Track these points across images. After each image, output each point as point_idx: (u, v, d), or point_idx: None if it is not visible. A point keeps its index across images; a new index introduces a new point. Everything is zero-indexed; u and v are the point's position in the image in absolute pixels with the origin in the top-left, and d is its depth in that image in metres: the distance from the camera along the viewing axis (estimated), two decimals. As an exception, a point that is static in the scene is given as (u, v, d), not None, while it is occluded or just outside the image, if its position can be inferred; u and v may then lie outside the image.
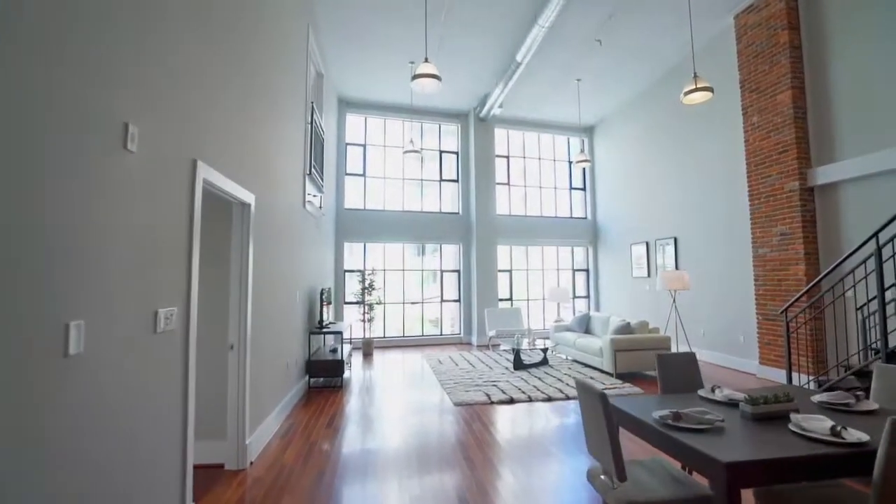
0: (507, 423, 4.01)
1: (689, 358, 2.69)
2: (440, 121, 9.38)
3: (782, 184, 5.21)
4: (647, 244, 8.11)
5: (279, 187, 4.09)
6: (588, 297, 10.17)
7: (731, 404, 2.18)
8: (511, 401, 4.67)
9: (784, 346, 4.20)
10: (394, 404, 4.63)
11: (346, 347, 6.53)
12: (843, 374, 3.62)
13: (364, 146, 9.01)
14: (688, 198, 7.08)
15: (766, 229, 5.40)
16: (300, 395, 4.93)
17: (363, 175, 8.97)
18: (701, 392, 2.35)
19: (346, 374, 6.10)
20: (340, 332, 5.50)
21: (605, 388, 5.02)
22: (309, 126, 5.46)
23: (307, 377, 5.33)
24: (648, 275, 8.08)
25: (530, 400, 4.70)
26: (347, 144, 8.84)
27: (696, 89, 4.54)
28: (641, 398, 2.30)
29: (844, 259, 3.80)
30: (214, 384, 3.14)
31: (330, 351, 5.84)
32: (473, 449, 3.37)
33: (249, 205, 3.17)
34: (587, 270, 10.19)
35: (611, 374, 5.72)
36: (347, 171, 8.82)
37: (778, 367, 5.24)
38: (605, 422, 1.81)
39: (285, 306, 4.34)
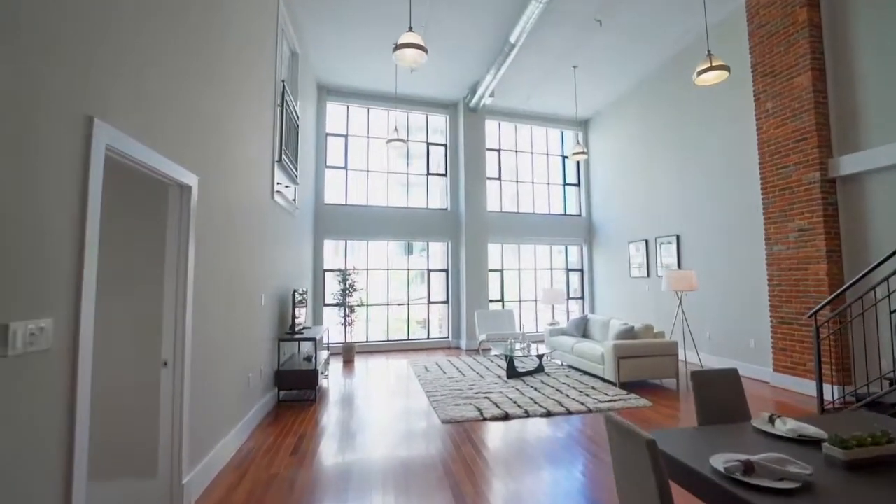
0: (501, 444, 3.47)
1: (732, 376, 2.17)
2: (427, 111, 8.80)
3: (800, 175, 4.77)
4: (647, 242, 7.65)
5: (237, 172, 3.50)
6: (582, 298, 9.70)
7: (803, 441, 1.67)
8: (506, 416, 4.14)
9: (814, 355, 3.74)
10: (373, 423, 4.05)
11: (324, 354, 5.94)
12: (888, 387, 3.16)
13: (346, 137, 8.40)
14: (692, 193, 6.63)
15: (782, 225, 4.96)
16: (266, 412, 4.33)
17: (345, 168, 8.35)
18: (755, 423, 1.84)
19: (324, 384, 5.51)
20: (314, 339, 4.90)
21: (610, 401, 4.52)
22: (279, 108, 4.86)
23: (276, 390, 4.73)
24: (648, 275, 7.63)
25: (527, 415, 4.18)
26: (328, 135, 8.22)
27: (711, 68, 4.08)
28: (684, 434, 1.78)
29: (891, 255, 3.35)
30: (144, 410, 2.54)
31: (304, 359, 5.24)
32: (464, 482, 2.82)
33: (190, 188, 2.58)
34: (581, 270, 9.72)
35: (613, 384, 5.22)
36: (328, 164, 8.19)
37: (794, 375, 4.80)
38: (653, 480, 1.28)
39: (246, 311, 3.74)
